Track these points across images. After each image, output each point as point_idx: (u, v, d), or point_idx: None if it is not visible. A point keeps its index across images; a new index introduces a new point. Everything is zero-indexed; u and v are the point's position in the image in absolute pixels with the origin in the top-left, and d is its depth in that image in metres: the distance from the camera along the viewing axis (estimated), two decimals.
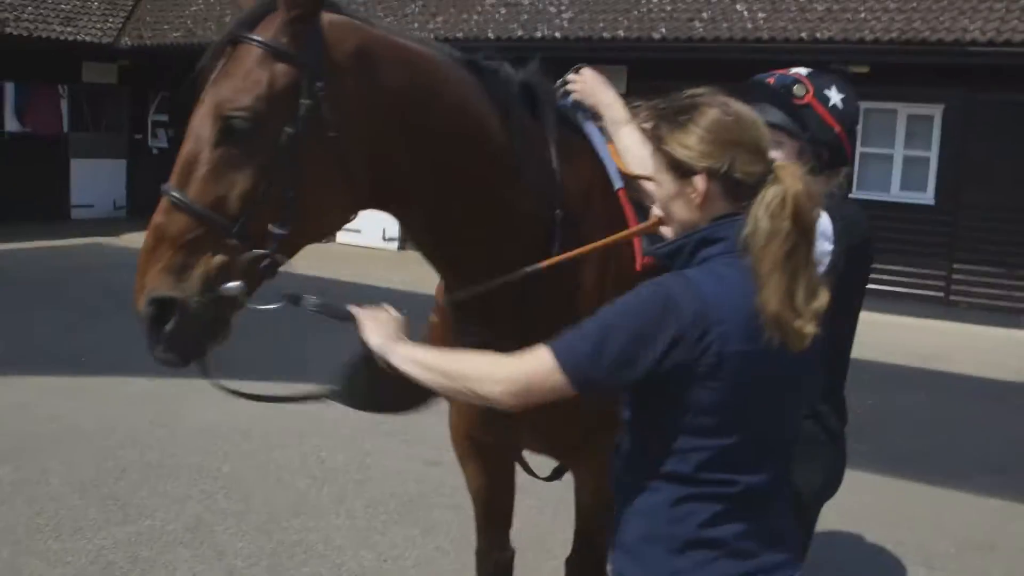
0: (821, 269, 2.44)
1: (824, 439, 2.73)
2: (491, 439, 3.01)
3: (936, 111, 13.41)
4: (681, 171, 1.94)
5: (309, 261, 10.76)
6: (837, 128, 2.74)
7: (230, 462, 5.96)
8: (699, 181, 1.91)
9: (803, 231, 1.83)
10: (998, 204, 12.96)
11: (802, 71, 2.83)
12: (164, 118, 20.79)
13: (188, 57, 13.11)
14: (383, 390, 2.29)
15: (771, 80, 2.82)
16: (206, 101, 2.15)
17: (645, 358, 1.80)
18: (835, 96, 2.75)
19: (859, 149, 13.80)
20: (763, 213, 1.82)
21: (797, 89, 2.75)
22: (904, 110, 13.60)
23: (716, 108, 1.95)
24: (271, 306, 2.26)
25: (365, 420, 6.96)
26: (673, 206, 1.98)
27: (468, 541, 4.90)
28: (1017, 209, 12.85)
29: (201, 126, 2.13)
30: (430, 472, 5.98)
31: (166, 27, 19.94)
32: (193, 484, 5.56)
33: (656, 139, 2.00)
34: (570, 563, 3.15)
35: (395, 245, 17.93)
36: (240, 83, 2.14)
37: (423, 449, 6.38)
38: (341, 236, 18.30)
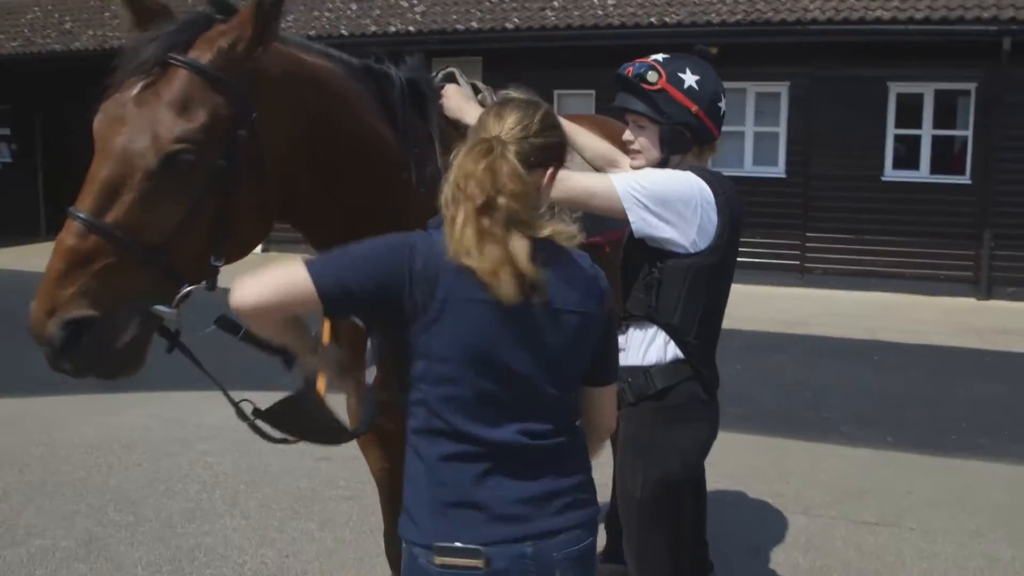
0: (709, 239, 2.64)
1: (705, 398, 2.92)
2: (390, 425, 3.09)
3: (783, 88, 14.00)
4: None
5: None
6: (694, 108, 2.90)
7: (115, 475, 5.85)
8: None
9: (479, 183, 1.91)
10: (844, 174, 13.64)
11: (659, 57, 2.98)
12: (6, 132, 19.92)
13: (27, 67, 12.96)
14: (320, 421, 2.31)
15: (629, 70, 2.97)
16: (138, 125, 2.07)
17: (384, 287, 1.92)
18: (689, 78, 2.91)
19: None
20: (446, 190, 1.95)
21: (650, 76, 2.91)
22: (752, 88, 14.15)
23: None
24: (207, 330, 2.25)
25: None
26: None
27: (366, 530, 5.00)
28: (862, 178, 13.56)
29: (134, 152, 2.05)
30: (320, 467, 6.00)
31: (1, 36, 19.13)
32: (80, 499, 5.43)
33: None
34: None
35: (258, 248, 17.63)
36: (181, 113, 2.08)
37: (310, 447, 6.38)
38: None
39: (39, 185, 19.70)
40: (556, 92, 14.52)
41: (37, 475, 5.82)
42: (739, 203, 2.91)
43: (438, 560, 1.95)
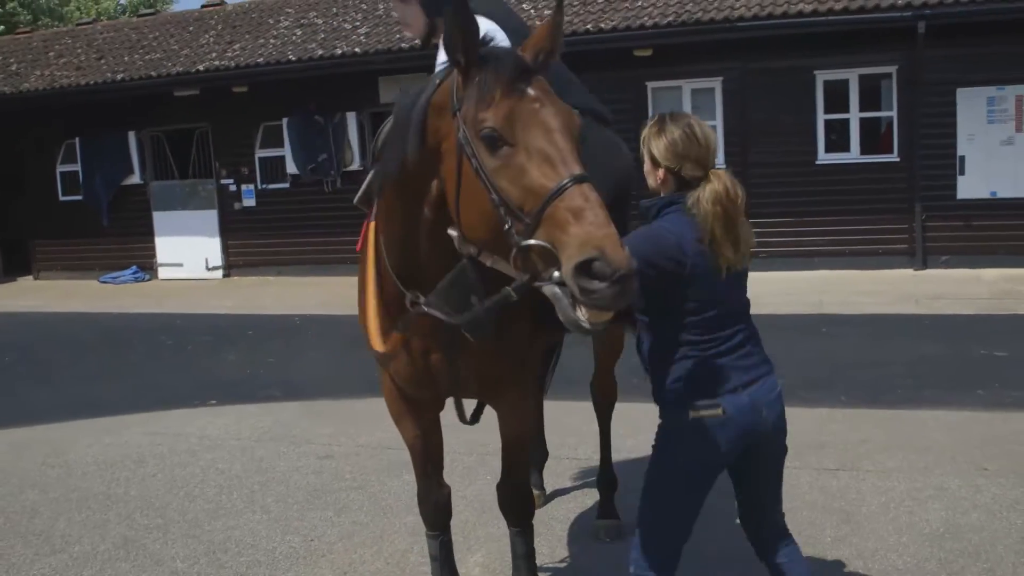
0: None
1: None
2: (424, 394, 3.59)
3: (716, 83, 14.66)
4: (654, 162, 3.13)
5: (137, 298, 11.33)
6: None
7: (135, 486, 6.25)
8: (661, 172, 3.13)
9: (726, 209, 3.02)
10: (780, 160, 14.32)
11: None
12: None
13: None
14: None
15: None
16: (562, 108, 2.61)
17: (656, 265, 2.92)
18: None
19: None
20: (705, 198, 3.02)
21: None
22: (688, 85, 14.81)
23: (680, 128, 3.09)
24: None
25: (252, 432, 7.38)
26: (648, 178, 3.19)
27: (378, 513, 5.50)
28: (797, 163, 14.26)
29: (573, 126, 2.60)
30: (325, 464, 6.46)
31: None
32: (107, 510, 5.83)
33: (644, 138, 3.16)
34: (500, 487, 3.78)
35: (220, 273, 18.01)
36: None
37: (311, 448, 6.86)
38: (163, 271, 18.28)
39: None
40: None
41: (60, 492, 6.21)
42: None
43: (692, 414, 3.05)
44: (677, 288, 3.02)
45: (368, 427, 7.08)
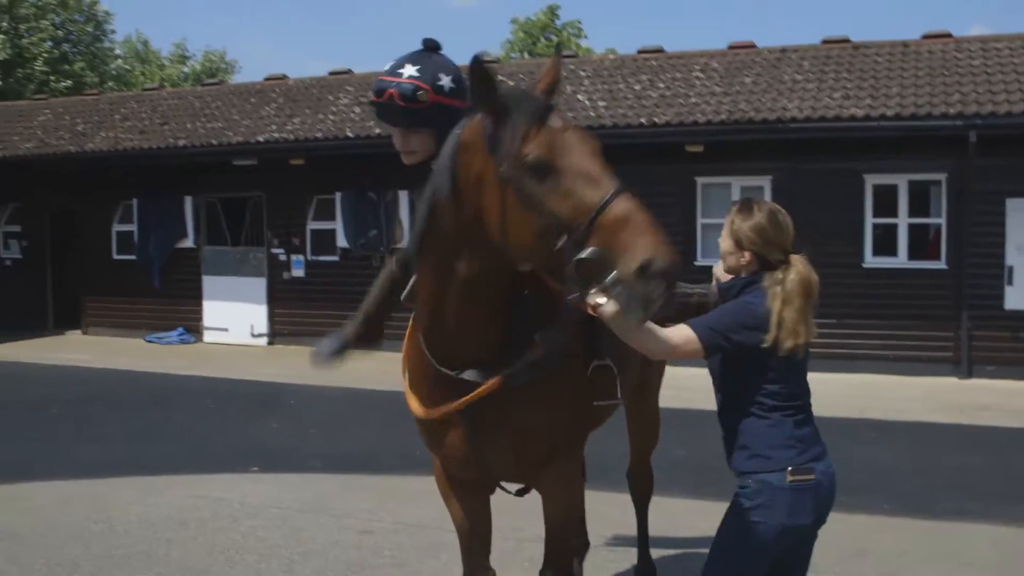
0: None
1: None
2: (472, 476, 3.65)
3: (765, 181, 14.80)
4: (739, 244, 3.38)
5: (182, 360, 11.55)
6: (462, 104, 3.43)
7: (176, 548, 6.32)
8: (747, 255, 3.38)
9: (807, 292, 3.28)
10: (827, 261, 14.28)
11: (410, 71, 3.53)
12: (16, 229, 20.54)
13: (39, 166, 13.87)
14: None
15: (392, 93, 3.51)
16: (590, 133, 2.95)
17: (738, 335, 3.24)
18: (445, 81, 3.52)
19: (700, 220, 15.09)
20: (790, 279, 3.29)
21: (420, 95, 3.49)
22: (737, 182, 14.95)
23: (767, 214, 3.37)
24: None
25: (292, 500, 7.44)
26: (730, 259, 3.43)
27: None
28: (844, 265, 14.26)
29: (599, 149, 2.88)
30: (364, 540, 6.49)
31: (15, 138, 19.86)
32: (148, 569, 5.90)
33: (731, 221, 3.41)
34: (544, 572, 3.80)
35: (264, 341, 18.22)
36: None
37: (351, 522, 6.90)
38: (208, 335, 18.53)
39: (48, 280, 20.26)
40: None
41: (102, 548, 6.29)
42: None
43: (790, 478, 3.25)
44: (761, 358, 3.26)
45: (408, 504, 7.12)
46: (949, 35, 16.33)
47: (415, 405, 3.52)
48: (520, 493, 3.79)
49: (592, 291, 2.66)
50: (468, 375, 3.26)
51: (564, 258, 2.69)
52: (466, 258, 3.10)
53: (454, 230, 3.08)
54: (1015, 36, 16.08)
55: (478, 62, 2.86)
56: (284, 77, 20.40)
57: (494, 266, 3.08)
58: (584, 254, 2.63)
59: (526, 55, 36.90)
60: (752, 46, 17.10)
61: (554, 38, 37.58)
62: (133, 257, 19.12)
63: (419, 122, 3.55)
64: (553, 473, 3.55)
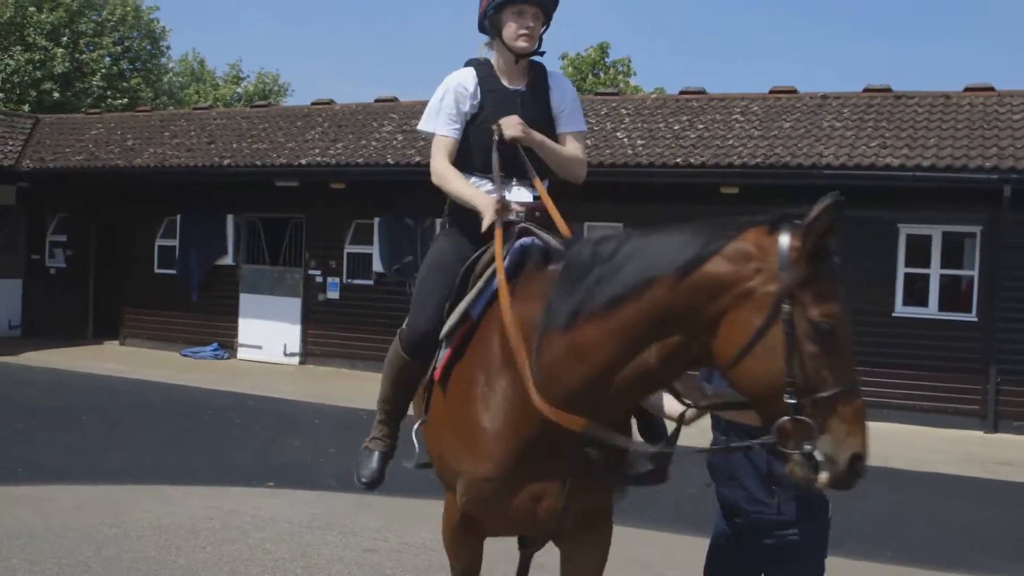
0: None
1: None
2: (516, 530, 3.83)
3: None
4: None
5: (214, 375, 11.74)
6: None
7: (184, 556, 6.47)
8: None
9: None
10: (857, 309, 14.27)
11: None
12: (63, 238, 21.04)
13: (87, 179, 14.31)
14: None
15: None
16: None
17: None
18: None
19: None
20: None
21: None
22: None
23: None
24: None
25: (302, 516, 7.58)
26: None
27: None
28: (874, 313, 14.22)
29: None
30: (367, 557, 6.61)
31: (67, 150, 20.37)
32: (156, 574, 6.06)
33: None
34: None
35: (296, 360, 18.46)
36: None
37: (357, 540, 7.03)
38: (242, 352, 18.81)
39: (90, 290, 20.71)
40: (587, 224, 15.49)
41: (113, 552, 6.46)
42: None
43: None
44: None
45: (415, 525, 7.23)
46: (992, 88, 16.28)
47: (486, 465, 3.32)
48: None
49: (792, 450, 2.80)
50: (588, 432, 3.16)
51: (784, 410, 2.78)
52: (665, 341, 2.98)
53: (665, 314, 2.96)
54: None
55: (837, 204, 2.76)
56: (331, 102, 20.76)
57: (689, 359, 3.03)
58: (803, 417, 2.76)
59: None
60: (794, 91, 17.15)
61: (602, 75, 37.82)
62: (173, 272, 19.50)
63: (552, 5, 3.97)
64: (603, 522, 3.60)
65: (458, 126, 3.95)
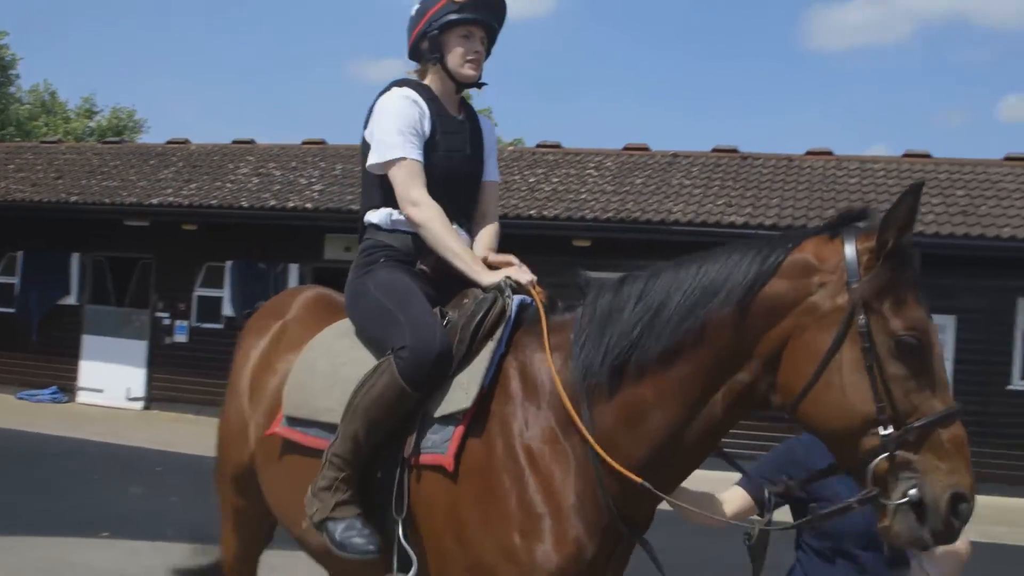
0: None
1: None
2: None
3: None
4: None
5: (51, 419, 11.29)
6: None
7: None
8: None
9: None
10: None
11: None
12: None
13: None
14: None
15: None
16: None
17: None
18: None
19: None
20: None
21: None
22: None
23: None
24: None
25: (137, 570, 7.34)
26: None
27: None
28: None
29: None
30: None
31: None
32: None
33: None
34: None
35: (140, 405, 17.88)
36: None
37: None
38: (83, 395, 18.11)
39: None
40: None
41: None
42: None
43: None
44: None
45: None
46: (830, 153, 17.21)
47: (567, 550, 2.77)
48: None
49: (888, 497, 2.41)
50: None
51: (873, 449, 2.41)
52: (731, 385, 2.65)
53: (728, 355, 2.62)
54: (891, 158, 17.10)
55: (918, 191, 2.43)
56: (186, 141, 20.39)
57: (756, 400, 2.67)
58: (899, 452, 2.37)
59: None
60: (646, 149, 17.75)
61: None
62: (11, 310, 18.65)
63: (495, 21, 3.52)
64: None
65: (421, 150, 3.35)
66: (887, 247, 2.43)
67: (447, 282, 3.30)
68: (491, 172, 3.65)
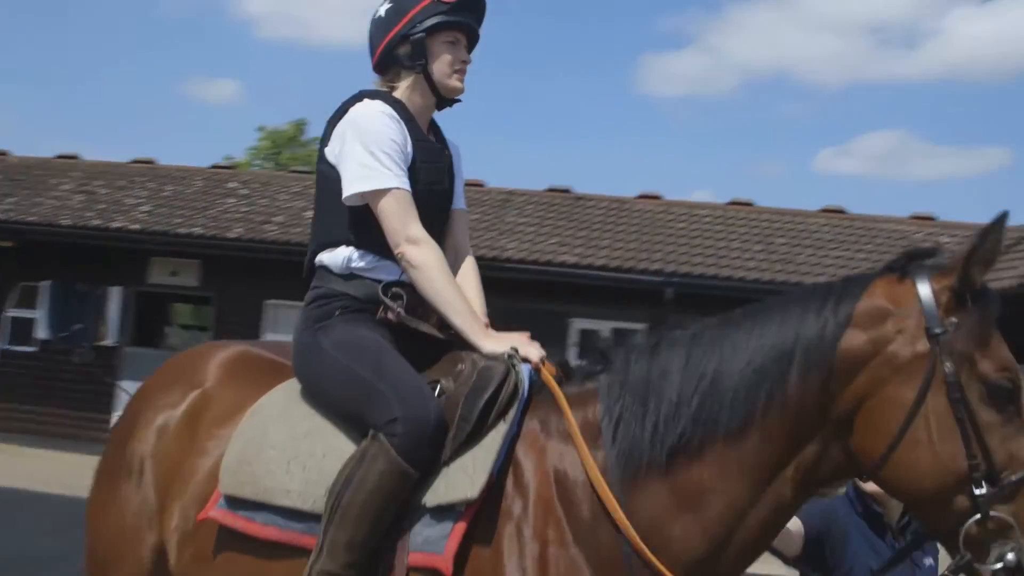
0: None
1: None
2: None
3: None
4: None
5: None
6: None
7: None
8: None
9: None
10: None
11: None
12: None
13: None
14: None
15: None
16: None
17: None
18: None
19: None
20: None
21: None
22: None
23: None
24: None
25: None
26: None
27: None
28: None
29: None
30: None
31: None
32: None
33: None
34: None
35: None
36: None
37: None
38: None
39: None
40: (267, 302, 15.38)
41: None
42: None
43: None
44: None
45: None
46: (659, 197, 17.78)
47: None
48: None
49: (984, 562, 2.17)
50: None
51: (966, 509, 2.16)
52: (801, 458, 2.34)
53: (800, 423, 2.31)
54: (717, 205, 17.77)
55: (1003, 219, 2.20)
56: (5, 154, 19.41)
57: (828, 471, 2.36)
58: (998, 513, 2.13)
59: (269, 164, 36.85)
60: (481, 185, 17.91)
61: (300, 151, 37.75)
62: None
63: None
64: None
65: (408, 180, 2.84)
66: (974, 285, 2.22)
67: (405, 334, 2.82)
68: (460, 200, 3.19)
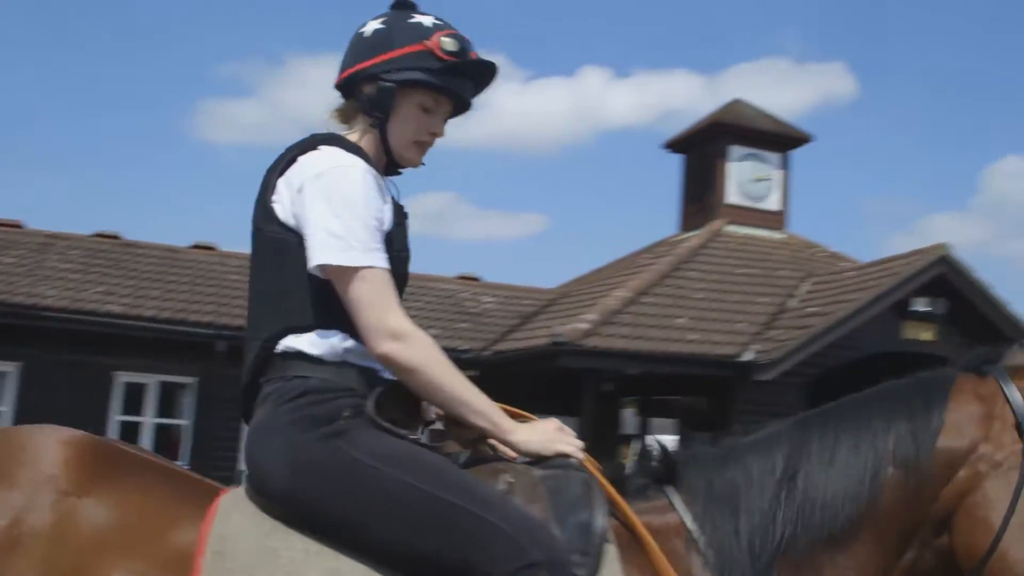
0: None
1: None
2: None
3: (14, 367, 14.12)
4: None
5: None
6: None
7: None
8: None
9: None
10: None
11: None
12: None
13: None
14: None
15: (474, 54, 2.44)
16: None
17: None
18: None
19: None
20: None
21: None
22: None
23: None
24: None
25: None
26: None
27: None
28: None
29: None
30: None
31: None
32: None
33: None
34: None
35: None
36: None
37: None
38: None
39: None
40: None
41: None
42: None
43: None
44: None
45: None
46: (215, 248, 17.56)
47: None
48: None
49: None
50: None
51: None
52: (897, 568, 2.28)
53: (902, 534, 2.26)
54: None
55: None
56: None
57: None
58: None
59: None
60: (19, 226, 16.65)
61: None
62: None
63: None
64: None
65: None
66: None
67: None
68: None
